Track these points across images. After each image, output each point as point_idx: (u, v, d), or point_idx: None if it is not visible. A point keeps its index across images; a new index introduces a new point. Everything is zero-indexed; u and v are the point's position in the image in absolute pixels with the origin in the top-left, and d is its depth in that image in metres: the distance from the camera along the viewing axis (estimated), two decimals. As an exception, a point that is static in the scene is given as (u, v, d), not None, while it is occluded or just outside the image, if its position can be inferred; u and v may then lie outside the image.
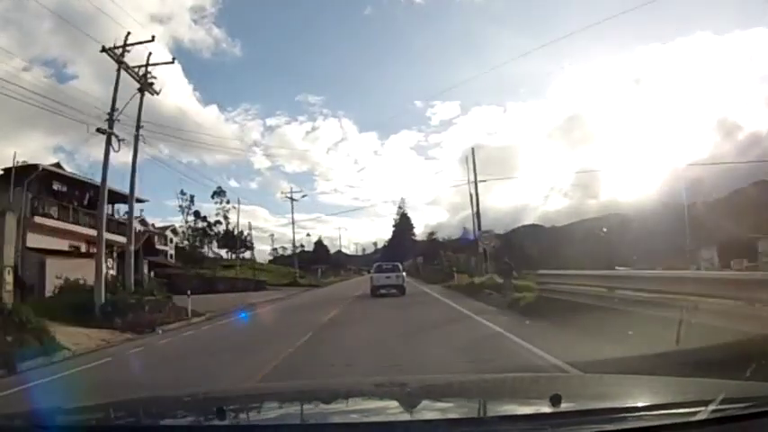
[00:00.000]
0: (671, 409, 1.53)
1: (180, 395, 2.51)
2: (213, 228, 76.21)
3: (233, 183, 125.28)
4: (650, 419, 1.44)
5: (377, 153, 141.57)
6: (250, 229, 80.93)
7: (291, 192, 62.78)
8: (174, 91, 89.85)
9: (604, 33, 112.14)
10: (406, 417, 1.86)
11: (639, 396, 1.87)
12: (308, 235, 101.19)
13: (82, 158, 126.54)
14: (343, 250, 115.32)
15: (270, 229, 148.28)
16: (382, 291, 25.19)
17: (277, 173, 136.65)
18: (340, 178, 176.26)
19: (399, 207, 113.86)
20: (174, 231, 70.67)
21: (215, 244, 78.34)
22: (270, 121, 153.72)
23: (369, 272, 37.53)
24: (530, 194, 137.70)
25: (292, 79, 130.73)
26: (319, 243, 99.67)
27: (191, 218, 73.85)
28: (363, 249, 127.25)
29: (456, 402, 2.16)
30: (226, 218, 76.44)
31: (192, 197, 73.94)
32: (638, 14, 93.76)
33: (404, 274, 27.18)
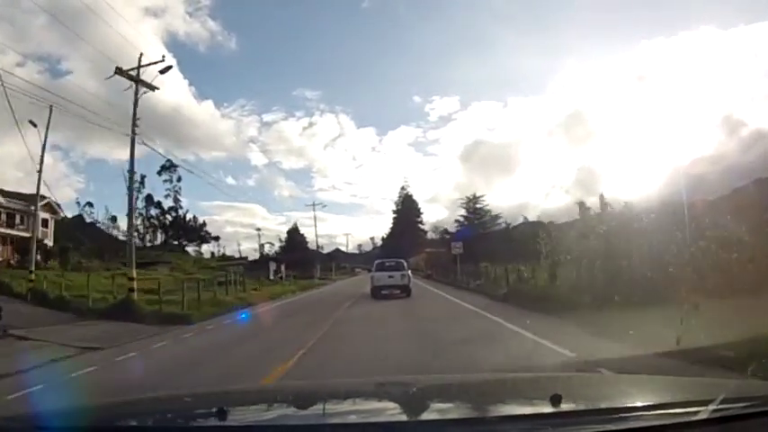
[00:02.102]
0: (672, 408, 1.53)
1: (180, 395, 2.51)
2: (167, 215, 57.30)
3: (230, 180, 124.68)
4: (651, 419, 1.44)
5: (375, 149, 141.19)
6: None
7: (139, 69, 19.48)
8: (169, 87, 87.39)
9: (607, 28, 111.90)
10: (406, 417, 1.87)
11: (640, 396, 1.88)
12: (296, 228, 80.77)
13: (77, 156, 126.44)
14: (342, 248, 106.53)
15: (270, 228, 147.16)
16: (384, 292, 22.56)
17: (274, 170, 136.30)
18: (338, 175, 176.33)
19: (402, 188, 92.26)
20: (51, 208, 39.45)
21: (159, 234, 59.65)
22: (266, 117, 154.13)
23: (369, 270, 32.04)
24: (530, 192, 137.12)
25: (289, 73, 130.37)
26: (294, 231, 73.24)
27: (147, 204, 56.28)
28: (359, 245, 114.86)
29: (456, 402, 2.17)
30: (177, 200, 58.41)
31: (142, 177, 56.45)
32: (642, 8, 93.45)
33: (409, 272, 24.10)
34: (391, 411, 2.06)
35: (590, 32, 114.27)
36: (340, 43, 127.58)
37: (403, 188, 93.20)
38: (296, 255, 64.99)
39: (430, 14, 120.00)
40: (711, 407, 1.41)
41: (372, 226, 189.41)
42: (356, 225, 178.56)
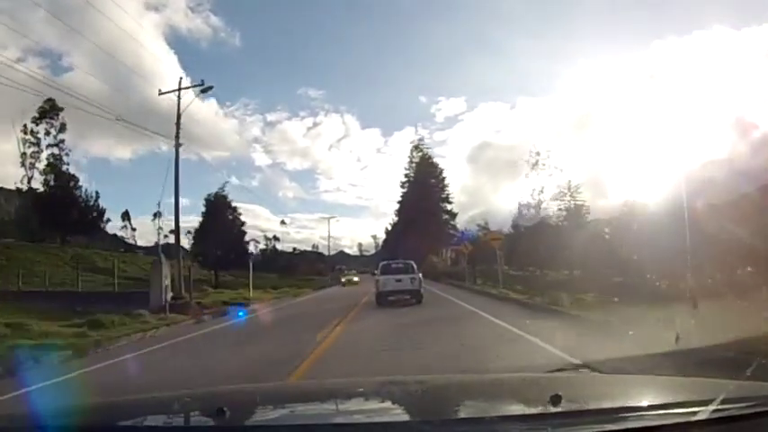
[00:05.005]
0: (671, 408, 1.53)
1: (180, 395, 2.51)
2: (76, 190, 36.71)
3: (234, 180, 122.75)
4: (651, 419, 1.44)
5: (380, 151, 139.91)
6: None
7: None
8: (172, 84, 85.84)
9: (618, 27, 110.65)
10: (407, 417, 1.87)
11: (640, 396, 1.88)
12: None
13: (79, 155, 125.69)
14: (346, 250, 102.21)
15: (272, 229, 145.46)
16: (391, 298, 20.23)
17: (278, 170, 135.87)
18: (343, 176, 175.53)
19: (415, 148, 57.49)
20: None
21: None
22: (270, 117, 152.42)
23: (374, 274, 28.66)
24: (539, 194, 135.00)
25: (293, 72, 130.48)
26: (220, 201, 38.22)
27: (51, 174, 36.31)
28: (360, 244, 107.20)
29: (456, 402, 2.16)
30: (62, 173, 35.69)
31: (32, 131, 35.51)
32: (654, 7, 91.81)
33: (419, 275, 21.39)
34: (392, 411, 2.07)
35: (601, 32, 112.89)
36: (345, 42, 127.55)
37: (417, 148, 57.84)
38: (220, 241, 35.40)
39: (436, 13, 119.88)
40: (711, 407, 1.41)
41: (377, 228, 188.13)
42: (361, 227, 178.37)
